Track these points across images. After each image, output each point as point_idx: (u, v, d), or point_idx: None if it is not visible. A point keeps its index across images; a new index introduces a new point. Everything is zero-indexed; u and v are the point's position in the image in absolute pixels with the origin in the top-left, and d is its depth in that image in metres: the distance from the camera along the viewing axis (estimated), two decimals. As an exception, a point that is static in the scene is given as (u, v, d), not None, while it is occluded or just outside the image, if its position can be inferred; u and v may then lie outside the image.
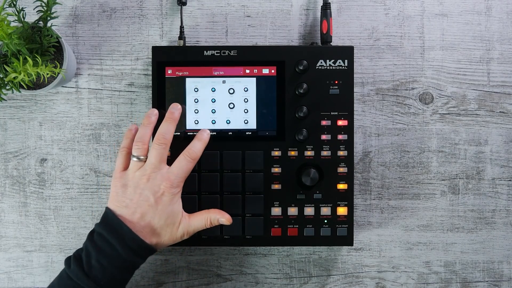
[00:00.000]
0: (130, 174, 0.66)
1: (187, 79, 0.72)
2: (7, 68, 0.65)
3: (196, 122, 0.72)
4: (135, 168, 0.66)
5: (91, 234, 0.65)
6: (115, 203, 0.65)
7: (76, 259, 0.63)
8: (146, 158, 0.66)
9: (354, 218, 0.75)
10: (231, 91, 0.72)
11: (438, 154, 0.78)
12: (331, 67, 0.72)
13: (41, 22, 0.69)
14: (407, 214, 0.78)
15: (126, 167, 0.67)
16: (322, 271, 0.78)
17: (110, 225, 0.64)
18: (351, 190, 0.73)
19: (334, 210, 0.73)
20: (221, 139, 0.72)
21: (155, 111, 0.69)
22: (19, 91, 0.69)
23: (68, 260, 0.64)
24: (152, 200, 0.64)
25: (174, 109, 0.69)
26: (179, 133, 0.72)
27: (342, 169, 0.72)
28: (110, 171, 0.77)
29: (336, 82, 0.72)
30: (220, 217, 0.68)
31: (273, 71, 0.72)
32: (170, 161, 0.68)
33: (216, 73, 0.72)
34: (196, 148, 0.67)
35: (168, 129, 0.67)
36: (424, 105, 0.77)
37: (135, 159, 0.66)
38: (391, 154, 0.78)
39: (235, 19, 0.77)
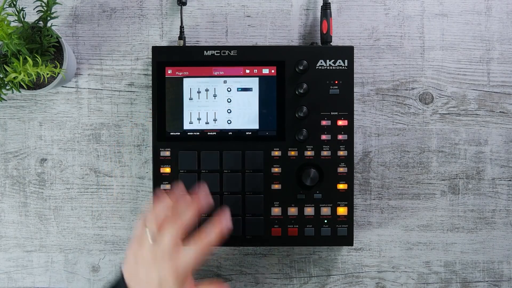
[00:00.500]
0: (144, 250, 0.62)
1: (187, 79, 0.72)
2: (7, 68, 0.65)
3: (197, 121, 0.72)
4: (148, 245, 0.62)
5: None
6: (128, 271, 0.63)
7: None
8: (160, 236, 0.62)
9: (354, 218, 0.75)
10: (231, 91, 0.72)
11: (438, 154, 0.78)
12: (331, 67, 0.72)
13: (41, 22, 0.69)
14: (407, 214, 0.78)
15: (144, 237, 0.64)
16: (322, 271, 0.78)
17: None
18: (351, 190, 0.73)
19: (334, 210, 0.73)
20: (221, 139, 0.72)
21: (181, 189, 0.66)
22: (19, 91, 0.69)
23: None
24: (156, 283, 0.61)
25: (203, 198, 0.65)
26: (179, 133, 0.72)
27: (342, 169, 0.72)
28: (110, 171, 0.77)
29: (336, 82, 0.72)
30: None
31: (273, 71, 0.72)
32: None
33: (216, 73, 0.72)
34: (211, 238, 0.62)
35: (187, 214, 0.63)
36: (424, 105, 0.77)
37: (149, 236, 0.62)
38: (391, 154, 0.78)
39: (235, 19, 0.77)
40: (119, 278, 0.64)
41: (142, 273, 0.62)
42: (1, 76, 0.68)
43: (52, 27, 0.69)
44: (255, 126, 0.72)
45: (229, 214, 0.63)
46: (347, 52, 0.72)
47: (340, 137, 0.72)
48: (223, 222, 0.63)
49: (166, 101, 0.72)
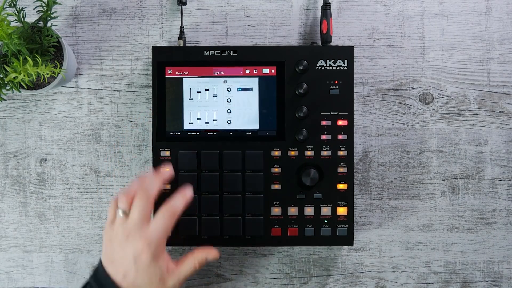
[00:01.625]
0: (115, 228, 0.64)
1: (187, 79, 0.72)
2: (7, 68, 0.65)
3: (197, 121, 0.72)
4: (119, 222, 0.64)
5: (85, 286, 0.64)
6: (105, 257, 0.64)
7: None
8: (130, 213, 0.64)
9: (354, 218, 0.75)
10: (231, 91, 0.72)
11: (438, 154, 0.78)
12: (331, 67, 0.72)
13: (41, 22, 0.69)
14: (407, 214, 0.78)
15: (116, 217, 0.65)
16: (322, 271, 0.78)
17: (99, 281, 0.63)
18: (351, 190, 0.73)
19: (334, 210, 0.73)
20: (221, 139, 0.72)
21: (154, 175, 0.67)
22: (19, 91, 0.69)
23: None
24: (131, 259, 0.62)
25: (164, 172, 0.68)
26: (179, 133, 0.72)
27: (342, 169, 0.72)
28: (110, 171, 0.77)
29: (336, 82, 0.72)
30: (206, 254, 0.67)
31: (273, 71, 0.72)
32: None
33: (216, 73, 0.72)
34: (177, 204, 0.65)
35: (152, 184, 0.65)
36: (424, 105, 0.77)
37: (120, 212, 0.64)
38: (391, 154, 0.78)
39: (235, 19, 0.77)
40: (97, 264, 0.65)
41: (117, 252, 0.63)
42: (1, 76, 0.68)
43: (52, 27, 0.69)
44: (255, 126, 0.72)
45: (191, 187, 0.69)
46: (347, 52, 0.72)
47: (340, 137, 0.72)
48: (186, 191, 0.67)
49: (166, 101, 0.72)
